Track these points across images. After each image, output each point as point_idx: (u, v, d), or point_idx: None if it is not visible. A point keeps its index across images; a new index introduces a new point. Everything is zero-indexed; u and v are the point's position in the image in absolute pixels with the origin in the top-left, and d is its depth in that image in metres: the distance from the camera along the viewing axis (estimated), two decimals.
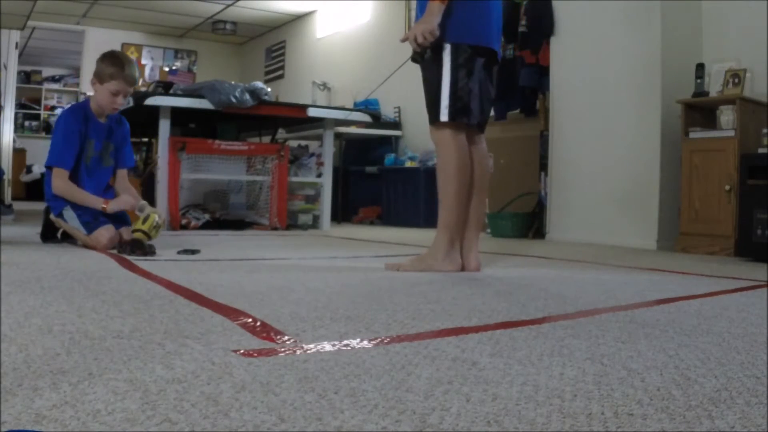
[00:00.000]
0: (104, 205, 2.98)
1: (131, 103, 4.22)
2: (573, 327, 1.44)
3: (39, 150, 9.06)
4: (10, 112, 7.57)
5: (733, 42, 4.07)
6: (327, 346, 1.19)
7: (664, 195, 4.07)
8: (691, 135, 3.86)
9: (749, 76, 3.87)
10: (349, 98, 7.24)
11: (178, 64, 10.41)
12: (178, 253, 2.85)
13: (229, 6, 8.69)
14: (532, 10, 4.82)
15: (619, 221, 4.27)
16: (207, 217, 4.77)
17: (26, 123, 11.26)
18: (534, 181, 4.96)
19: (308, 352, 1.15)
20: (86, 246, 2.97)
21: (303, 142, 6.72)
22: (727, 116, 3.73)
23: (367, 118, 5.54)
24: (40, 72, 11.62)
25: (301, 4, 8.70)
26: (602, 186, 4.39)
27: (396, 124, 7.09)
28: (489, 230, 5.02)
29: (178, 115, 4.72)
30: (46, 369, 0.97)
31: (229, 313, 1.48)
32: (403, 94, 6.66)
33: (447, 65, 2.42)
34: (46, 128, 11.03)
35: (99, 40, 9.41)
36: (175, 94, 4.64)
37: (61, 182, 2.98)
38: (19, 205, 6.01)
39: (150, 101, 4.37)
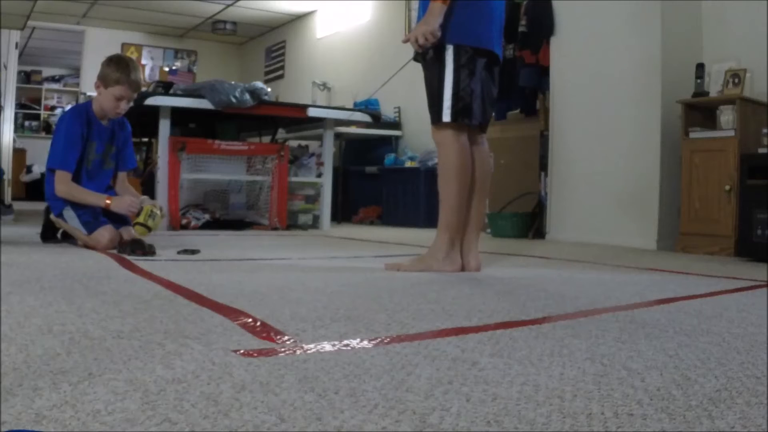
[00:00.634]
0: (108, 201, 2.95)
1: (131, 104, 4.22)
2: (573, 327, 1.44)
3: (39, 150, 9.07)
4: (10, 112, 7.57)
5: (733, 42, 4.06)
6: (327, 346, 1.19)
7: (664, 195, 4.07)
8: (691, 135, 3.86)
9: (749, 76, 3.87)
10: (349, 98, 7.24)
11: (178, 64, 10.41)
12: (178, 253, 2.85)
13: (229, 6, 8.69)
14: (532, 10, 4.82)
15: (619, 221, 4.27)
16: (207, 217, 4.77)
17: (26, 123, 11.26)
18: (534, 181, 4.95)
19: (308, 352, 1.15)
20: (86, 246, 2.96)
21: (303, 142, 6.73)
22: (727, 116, 3.73)
23: (367, 118, 5.54)
24: (40, 72, 11.62)
25: (301, 4, 8.70)
26: (602, 186, 4.39)
27: (396, 124, 7.09)
28: (489, 230, 5.02)
29: (178, 115, 4.72)
30: (46, 369, 0.97)
31: (229, 313, 1.48)
32: (403, 95, 6.66)
33: (449, 66, 2.42)
34: (46, 128, 11.03)
35: (99, 40, 9.42)
36: (175, 94, 4.64)
37: (63, 186, 2.94)
38: (19, 205, 6.00)
39: (150, 101, 4.37)
